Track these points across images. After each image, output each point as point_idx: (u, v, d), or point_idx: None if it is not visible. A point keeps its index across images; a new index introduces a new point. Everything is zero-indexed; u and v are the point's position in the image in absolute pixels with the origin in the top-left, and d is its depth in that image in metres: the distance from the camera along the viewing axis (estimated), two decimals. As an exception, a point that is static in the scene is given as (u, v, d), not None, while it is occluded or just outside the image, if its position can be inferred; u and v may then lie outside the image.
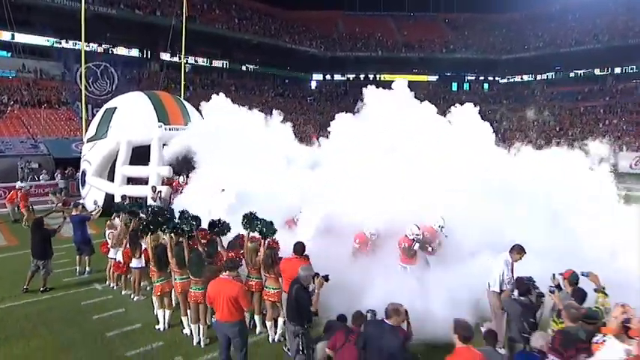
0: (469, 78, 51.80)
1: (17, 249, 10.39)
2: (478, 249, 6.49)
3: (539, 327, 4.79)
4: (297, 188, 8.01)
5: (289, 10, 49.67)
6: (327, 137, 10.15)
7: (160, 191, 11.70)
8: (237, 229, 6.42)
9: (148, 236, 6.30)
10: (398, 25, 52.71)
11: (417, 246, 6.52)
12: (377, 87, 9.61)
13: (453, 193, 7.05)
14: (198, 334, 5.84)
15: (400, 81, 9.48)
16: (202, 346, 5.79)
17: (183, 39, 22.37)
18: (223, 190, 8.51)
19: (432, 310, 5.33)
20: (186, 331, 6.09)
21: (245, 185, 8.22)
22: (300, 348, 4.59)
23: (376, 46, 49.25)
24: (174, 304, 6.47)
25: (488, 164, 8.15)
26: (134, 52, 38.28)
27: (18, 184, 14.59)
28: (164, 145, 12.94)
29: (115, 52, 36.19)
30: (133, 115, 13.84)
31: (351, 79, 51.40)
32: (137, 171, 13.12)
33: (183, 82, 24.38)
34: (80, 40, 18.94)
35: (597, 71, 44.34)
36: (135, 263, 7.27)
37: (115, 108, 14.29)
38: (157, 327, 6.32)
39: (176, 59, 35.68)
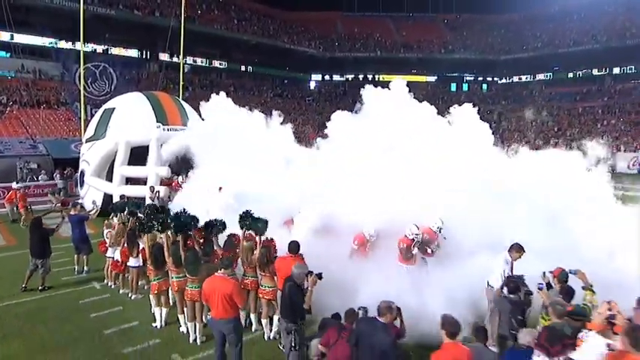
0: (468, 78, 51.81)
1: (15, 249, 10.44)
2: (477, 249, 6.48)
3: (530, 324, 4.87)
4: (295, 188, 8.01)
5: (288, 10, 49.63)
6: (325, 138, 10.03)
7: (159, 191, 11.77)
8: (233, 228, 6.44)
9: (145, 235, 6.37)
10: (397, 25, 52.69)
11: (415, 250, 6.51)
12: (375, 87, 9.53)
13: (452, 193, 7.02)
14: (195, 332, 5.92)
15: (398, 81, 9.40)
16: (198, 343, 5.87)
17: (182, 39, 22.38)
18: (220, 188, 8.58)
19: (428, 308, 5.32)
20: (183, 328, 6.17)
21: (244, 185, 8.26)
22: (293, 344, 4.64)
23: (375, 47, 49.18)
24: (171, 303, 6.54)
25: (487, 164, 8.12)
26: (133, 53, 38.28)
27: (13, 184, 14.64)
28: (162, 144, 12.99)
29: (113, 53, 36.22)
30: (131, 115, 13.89)
31: (349, 79, 51.37)
32: (135, 171, 13.18)
33: (182, 83, 24.33)
34: (79, 41, 19.00)
35: (595, 72, 44.37)
36: (132, 262, 7.35)
37: (114, 108, 14.35)
38: (153, 325, 6.39)
39: (175, 60, 35.55)
